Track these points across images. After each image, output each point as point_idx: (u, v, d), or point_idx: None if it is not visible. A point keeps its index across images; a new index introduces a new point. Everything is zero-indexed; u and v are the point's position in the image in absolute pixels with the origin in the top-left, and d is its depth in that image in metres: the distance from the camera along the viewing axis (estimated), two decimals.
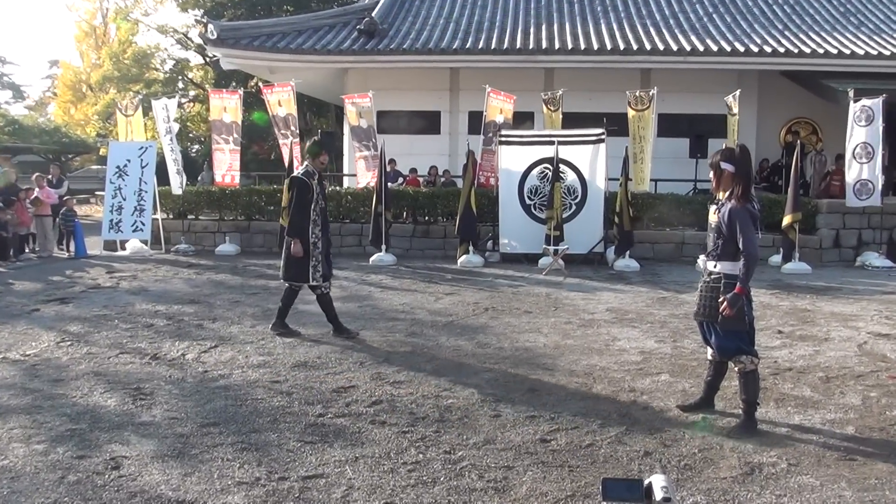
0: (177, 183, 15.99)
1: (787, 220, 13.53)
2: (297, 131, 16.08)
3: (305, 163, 7.82)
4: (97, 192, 27.47)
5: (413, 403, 5.65)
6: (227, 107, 16.26)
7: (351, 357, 7.02)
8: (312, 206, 7.60)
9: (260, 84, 19.35)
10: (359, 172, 16.14)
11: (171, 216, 16.52)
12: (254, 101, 27.92)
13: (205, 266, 13.33)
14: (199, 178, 22.17)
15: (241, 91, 16.92)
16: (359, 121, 15.89)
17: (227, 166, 16.30)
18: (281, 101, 16.19)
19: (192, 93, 40.98)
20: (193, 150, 37.64)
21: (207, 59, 35.12)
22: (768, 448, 4.83)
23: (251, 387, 6.03)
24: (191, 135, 39.13)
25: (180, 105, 28.91)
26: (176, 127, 16.61)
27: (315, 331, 8.12)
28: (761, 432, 5.07)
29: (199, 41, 32.26)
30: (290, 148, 15.05)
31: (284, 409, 5.48)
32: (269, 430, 5.07)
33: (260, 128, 29.68)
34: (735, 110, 15.71)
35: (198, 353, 7.10)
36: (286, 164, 14.89)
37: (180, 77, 41.52)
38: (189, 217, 16.56)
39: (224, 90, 18.35)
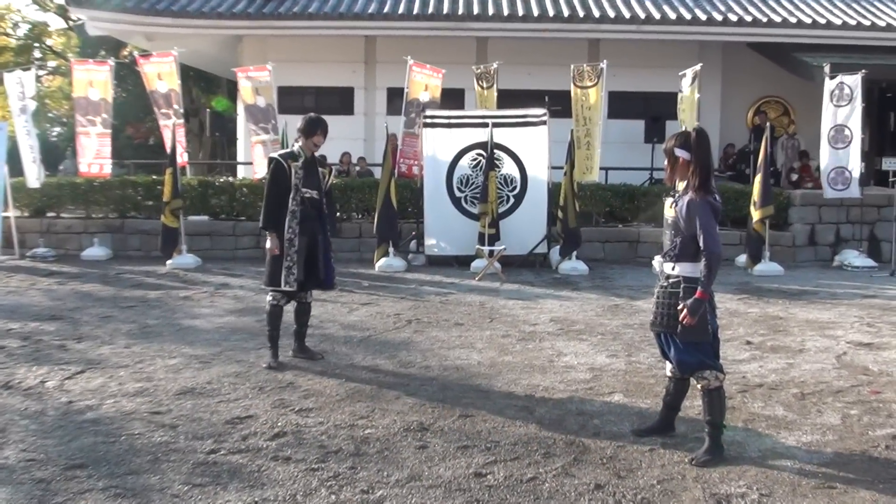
0: (33, 173, 15.55)
1: (757, 215, 13.72)
2: (181, 110, 15.84)
3: (297, 143, 7.61)
4: None
5: (323, 435, 5.62)
6: (94, 81, 15.91)
7: (248, 381, 6.94)
8: (292, 196, 7.44)
9: (135, 53, 19.01)
10: (255, 160, 15.97)
11: (26, 214, 16.09)
12: (128, 74, 27.39)
13: (68, 274, 13.02)
14: (61, 167, 21.62)
15: (111, 62, 16.56)
16: (255, 98, 15.73)
17: (94, 153, 15.95)
18: (161, 75, 15.91)
19: (51, 63, 39.99)
20: (54, 134, 36.72)
21: (70, 23, 34.30)
22: (737, 477, 4.94)
23: (126, 419, 5.91)
24: (50, 114, 38.18)
25: (38, 78, 28.18)
26: (32, 105, 16.17)
27: (204, 350, 8.00)
28: (728, 458, 5.18)
29: (60, 1, 31.48)
30: (173, 130, 14.81)
31: (168, 446, 5.38)
32: (148, 471, 4.97)
33: (135, 107, 29.16)
34: (687, 88, 16.01)
35: (60, 380, 6.92)
36: (168, 150, 14.66)
37: (37, 44, 40.46)
38: (49, 215, 16.15)
39: (90, 60, 17.94)
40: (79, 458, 5.16)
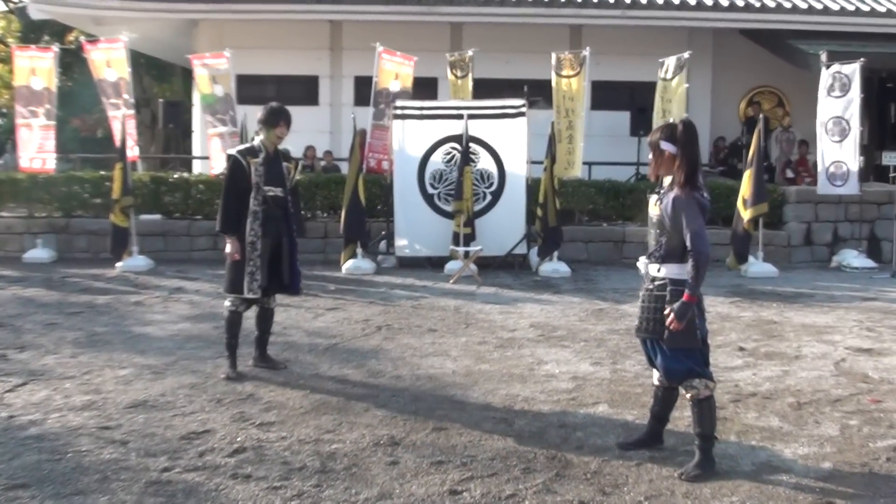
0: None
1: (748, 214, 13.68)
2: (132, 100, 15.73)
3: (258, 136, 7.57)
4: None
5: (287, 451, 5.61)
6: (36, 68, 15.77)
7: (205, 393, 6.91)
8: (253, 195, 7.36)
9: (82, 39, 18.84)
10: (212, 155, 15.89)
11: None
12: (74, 61, 27.17)
13: (9, 278, 12.90)
14: (1, 161, 21.48)
15: (56, 48, 16.43)
16: (212, 88, 15.65)
17: (36, 146, 15.80)
18: (110, 62, 15.78)
19: None
20: None
21: (11, 6, 34.02)
22: (729, 492, 4.97)
23: (73, 435, 5.88)
24: None
25: None
26: None
27: (157, 360, 7.96)
28: (720, 473, 5.22)
29: None
30: (123, 122, 14.71)
31: (118, 463, 5.35)
32: (97, 490, 4.95)
33: (82, 97, 28.92)
34: (671, 76, 16.04)
35: (0, 393, 6.87)
36: (117, 143, 14.56)
37: None
38: None
39: (33, 46, 17.80)
40: (21, 477, 5.12)
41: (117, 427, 6.05)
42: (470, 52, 16.79)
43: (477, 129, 14.35)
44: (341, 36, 20.21)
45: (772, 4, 18.66)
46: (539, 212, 14.05)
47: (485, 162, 14.49)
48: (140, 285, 12.40)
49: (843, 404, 6.76)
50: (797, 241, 15.53)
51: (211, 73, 15.65)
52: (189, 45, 19.63)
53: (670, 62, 16.07)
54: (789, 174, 17.61)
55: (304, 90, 20.34)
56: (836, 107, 14.57)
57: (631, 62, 19.31)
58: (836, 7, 18.69)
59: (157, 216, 15.67)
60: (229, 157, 7.53)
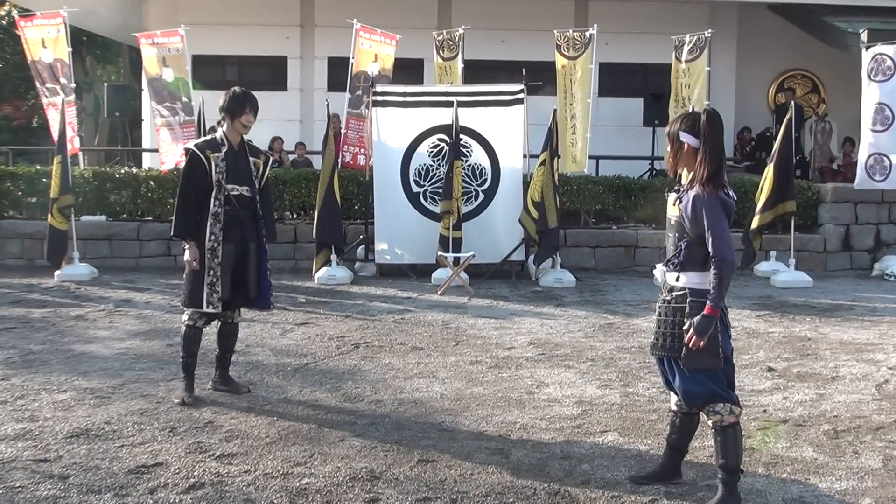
0: None
1: (767, 216, 13.54)
2: (72, 85, 15.72)
3: (221, 126, 7.53)
4: None
5: (250, 486, 5.60)
6: None
7: (157, 420, 6.89)
8: (214, 194, 7.32)
9: (14, 14, 18.82)
10: (163, 147, 15.87)
11: None
12: (5, 39, 27.17)
13: None
14: None
15: None
16: (163, 70, 15.63)
17: None
18: (46, 41, 15.76)
19: None
20: None
21: None
22: None
23: (5, 469, 5.85)
24: None
25: None
26: None
27: (102, 382, 7.94)
28: None
29: None
30: (62, 109, 14.69)
31: (56, 501, 5.33)
32: None
33: (14, 80, 28.89)
34: (689, 55, 16.06)
35: None
36: (55, 134, 14.54)
37: None
38: None
39: None
40: None
41: (56, 459, 6.03)
42: (460, 30, 16.80)
43: (468, 118, 14.34)
44: (313, 11, 20.23)
45: None
46: (534, 212, 13.77)
47: (477, 156, 14.48)
48: (82, 297, 12.36)
49: (887, 432, 6.77)
50: (834, 245, 15.54)
51: (161, 54, 15.62)
52: (138, 21, 19.61)
53: (689, 40, 16.07)
54: (827, 174, 17.63)
55: (271, 73, 20.34)
56: (879, 93, 14.57)
57: (644, 42, 19.34)
58: None
59: (102, 217, 15.63)
60: (187, 150, 7.49)
